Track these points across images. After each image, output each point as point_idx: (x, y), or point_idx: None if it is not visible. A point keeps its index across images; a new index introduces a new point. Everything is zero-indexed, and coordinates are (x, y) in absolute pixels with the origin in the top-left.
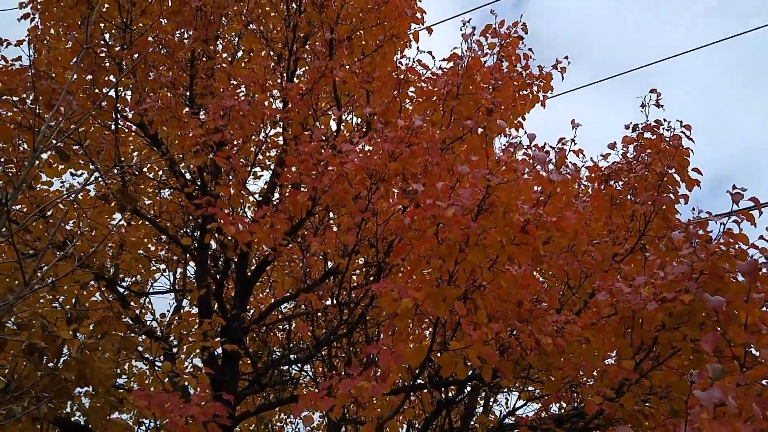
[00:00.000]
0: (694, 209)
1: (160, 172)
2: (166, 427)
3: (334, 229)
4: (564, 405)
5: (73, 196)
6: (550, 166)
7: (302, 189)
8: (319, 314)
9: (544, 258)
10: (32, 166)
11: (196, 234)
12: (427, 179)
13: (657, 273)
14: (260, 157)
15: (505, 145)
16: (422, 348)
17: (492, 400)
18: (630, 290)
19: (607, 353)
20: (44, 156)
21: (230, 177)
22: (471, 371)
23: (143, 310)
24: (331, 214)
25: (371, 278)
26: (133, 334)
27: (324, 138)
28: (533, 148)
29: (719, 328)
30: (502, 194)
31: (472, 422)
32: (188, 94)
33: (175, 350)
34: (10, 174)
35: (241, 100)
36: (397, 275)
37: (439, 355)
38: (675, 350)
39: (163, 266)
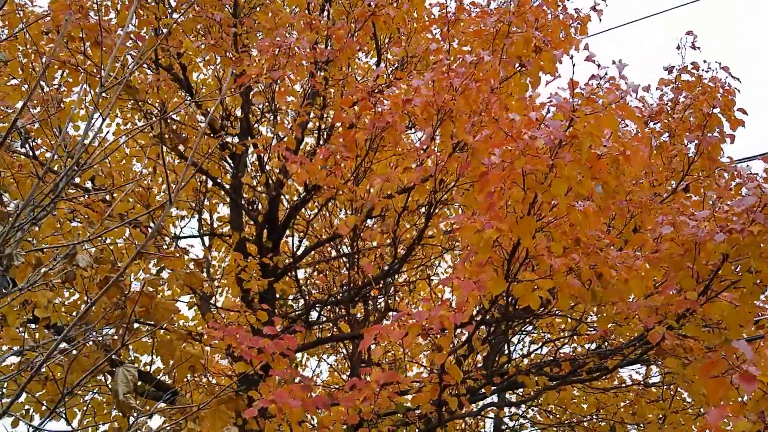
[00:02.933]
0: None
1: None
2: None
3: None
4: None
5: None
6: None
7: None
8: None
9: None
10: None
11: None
12: (487, 114)
13: (721, 207)
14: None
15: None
16: (500, 278)
17: (507, 343)
18: (694, 224)
19: (663, 285)
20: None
21: (276, 116)
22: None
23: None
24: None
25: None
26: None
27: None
28: (615, 80)
29: None
30: (588, 126)
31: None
32: (234, 33)
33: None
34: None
35: (292, 39)
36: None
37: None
38: (733, 281)
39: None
